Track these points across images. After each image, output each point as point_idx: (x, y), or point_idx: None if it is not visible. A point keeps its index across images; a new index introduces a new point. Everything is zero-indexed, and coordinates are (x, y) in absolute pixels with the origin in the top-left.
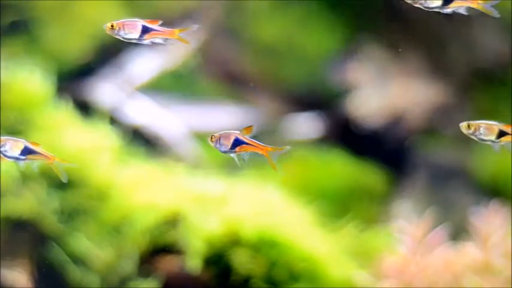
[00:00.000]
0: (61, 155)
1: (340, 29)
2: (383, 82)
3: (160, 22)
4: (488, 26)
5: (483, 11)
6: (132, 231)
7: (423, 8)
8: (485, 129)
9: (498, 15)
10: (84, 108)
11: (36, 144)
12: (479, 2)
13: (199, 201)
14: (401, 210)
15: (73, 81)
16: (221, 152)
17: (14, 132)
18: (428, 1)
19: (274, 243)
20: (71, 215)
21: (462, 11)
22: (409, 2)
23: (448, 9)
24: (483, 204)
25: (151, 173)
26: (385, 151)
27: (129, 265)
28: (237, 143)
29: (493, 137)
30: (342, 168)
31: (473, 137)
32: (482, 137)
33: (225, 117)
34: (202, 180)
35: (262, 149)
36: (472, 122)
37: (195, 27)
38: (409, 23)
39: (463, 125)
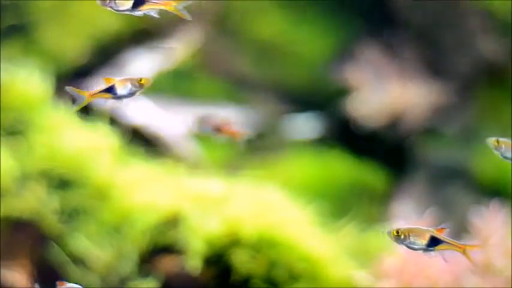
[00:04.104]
0: (61, 155)
1: (339, 29)
2: (382, 82)
3: None
4: (488, 25)
5: (177, 13)
6: (132, 231)
7: (114, 10)
8: (415, 236)
9: (190, 18)
10: (84, 108)
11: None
12: (173, 4)
13: (199, 201)
14: (401, 210)
15: (72, 81)
16: None
17: (14, 132)
18: (118, 3)
19: (274, 243)
20: (71, 215)
21: (154, 13)
22: (98, 3)
23: (139, 12)
24: (483, 204)
25: (151, 173)
26: (385, 151)
27: (129, 265)
28: None
29: (424, 243)
30: (342, 168)
31: (403, 245)
32: (412, 246)
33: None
34: (202, 180)
35: None
36: (401, 228)
37: None
38: (409, 23)
39: (392, 232)
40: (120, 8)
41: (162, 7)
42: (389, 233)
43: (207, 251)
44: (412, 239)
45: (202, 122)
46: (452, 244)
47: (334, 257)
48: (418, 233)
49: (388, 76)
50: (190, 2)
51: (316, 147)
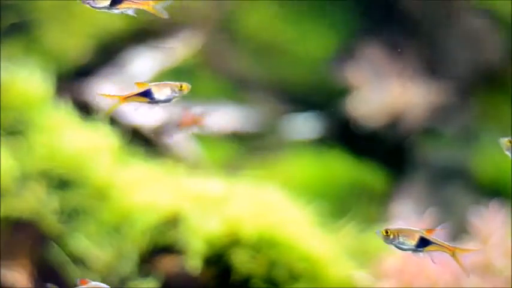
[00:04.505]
0: (61, 155)
1: (339, 28)
2: (382, 82)
3: None
4: (489, 25)
5: (154, 12)
6: (132, 231)
7: (92, 7)
8: (404, 236)
9: (167, 16)
10: (84, 108)
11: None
12: (151, 3)
13: (199, 201)
14: (401, 210)
15: (73, 81)
16: None
17: (14, 132)
18: (96, 1)
19: (274, 243)
20: (71, 215)
21: (131, 12)
22: (78, 1)
23: (117, 10)
24: (483, 204)
25: (151, 173)
26: (385, 151)
27: (129, 265)
28: None
29: (413, 244)
30: (342, 168)
31: (392, 245)
32: (402, 246)
33: (225, 117)
34: (202, 180)
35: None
36: (390, 228)
37: None
38: (409, 22)
39: (381, 232)
40: (98, 6)
41: (140, 6)
42: (378, 232)
43: (207, 251)
44: (401, 239)
45: (162, 131)
46: (441, 246)
47: (334, 257)
48: (407, 233)
49: (388, 76)
50: (169, 2)
51: (316, 147)
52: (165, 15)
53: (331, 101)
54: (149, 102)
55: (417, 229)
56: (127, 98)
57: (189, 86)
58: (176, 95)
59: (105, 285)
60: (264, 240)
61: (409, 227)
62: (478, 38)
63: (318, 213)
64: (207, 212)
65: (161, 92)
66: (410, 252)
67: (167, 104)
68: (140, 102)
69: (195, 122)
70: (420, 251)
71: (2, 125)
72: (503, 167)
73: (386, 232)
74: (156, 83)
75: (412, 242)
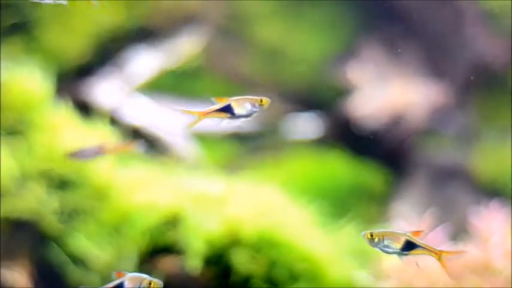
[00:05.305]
0: (61, 155)
1: (340, 29)
2: (383, 82)
3: None
4: (489, 25)
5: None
6: (132, 231)
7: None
8: (390, 239)
9: (97, 6)
10: (84, 108)
11: None
12: None
13: (199, 201)
14: (401, 210)
15: (73, 81)
16: None
17: (14, 132)
18: None
19: (274, 243)
20: (71, 215)
21: (64, 1)
22: None
23: (49, 0)
24: (483, 204)
25: (151, 173)
26: (385, 151)
27: (129, 265)
28: None
29: (398, 247)
30: (342, 168)
31: (377, 248)
32: (387, 249)
33: None
34: (202, 180)
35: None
36: (376, 231)
37: None
38: (409, 23)
39: (366, 235)
40: None
41: None
42: (364, 235)
43: (207, 251)
44: (386, 242)
45: (79, 155)
46: (428, 249)
47: (334, 257)
48: (393, 236)
49: (388, 76)
50: None
51: (316, 147)
52: (95, 4)
53: (332, 101)
54: (230, 118)
55: (403, 232)
56: (207, 114)
57: (269, 100)
58: (256, 109)
59: (145, 275)
60: (264, 240)
61: (394, 230)
62: (478, 38)
63: (318, 213)
64: (207, 212)
65: (241, 107)
66: (395, 255)
67: (247, 118)
68: (221, 117)
69: (120, 149)
70: (406, 255)
71: (2, 125)
72: (503, 167)
73: (371, 235)
74: (236, 98)
75: (398, 246)
